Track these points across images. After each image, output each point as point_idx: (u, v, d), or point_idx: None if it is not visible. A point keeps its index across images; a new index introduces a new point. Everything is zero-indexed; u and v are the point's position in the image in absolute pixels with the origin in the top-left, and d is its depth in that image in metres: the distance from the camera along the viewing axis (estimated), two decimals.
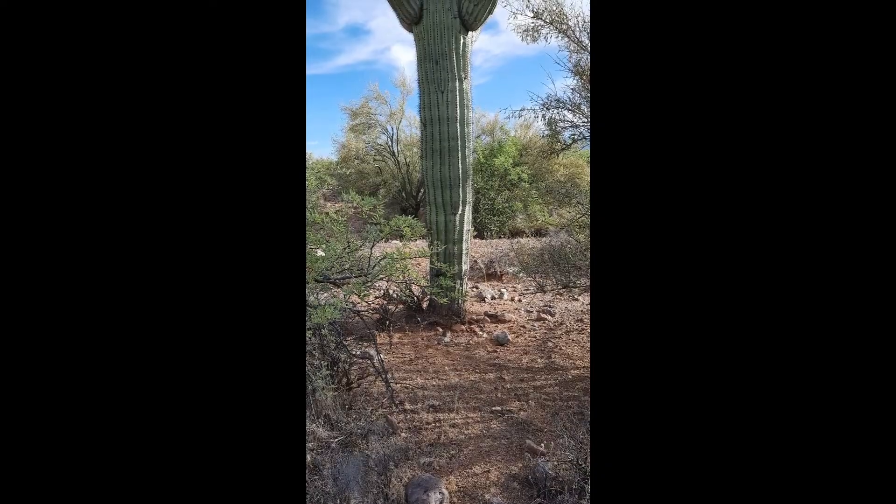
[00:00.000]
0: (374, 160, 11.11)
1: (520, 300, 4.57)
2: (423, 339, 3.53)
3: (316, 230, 2.48)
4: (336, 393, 2.31)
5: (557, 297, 4.38)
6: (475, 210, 7.51)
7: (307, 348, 2.18)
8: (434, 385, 2.75)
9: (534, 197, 8.32)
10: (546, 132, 3.54)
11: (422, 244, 4.08)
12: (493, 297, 4.61)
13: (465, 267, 3.93)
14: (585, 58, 3.05)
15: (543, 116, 3.38)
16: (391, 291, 3.95)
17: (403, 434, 2.19)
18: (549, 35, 3.17)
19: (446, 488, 1.79)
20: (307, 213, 2.33)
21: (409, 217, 2.56)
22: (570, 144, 3.65)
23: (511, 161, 8.67)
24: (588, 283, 3.06)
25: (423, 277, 3.95)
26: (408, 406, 2.47)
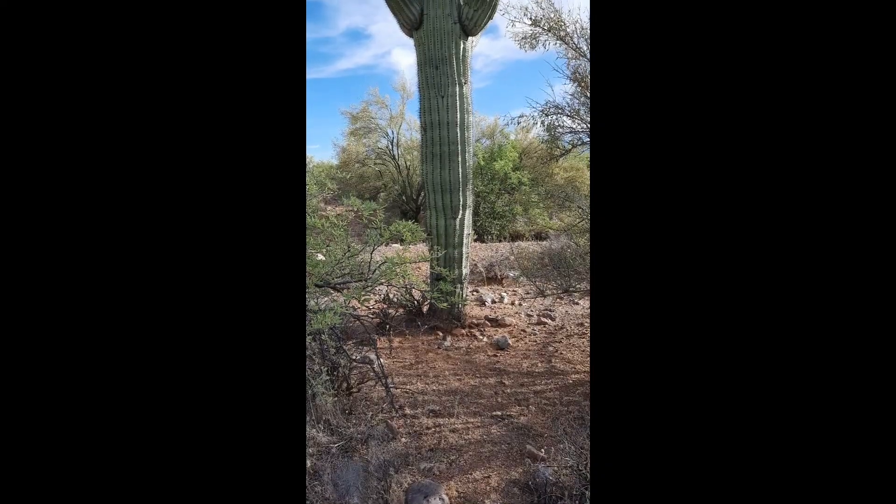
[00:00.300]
0: (375, 164, 11.13)
1: (520, 304, 4.56)
2: (423, 343, 3.53)
3: (316, 234, 2.48)
4: (336, 398, 2.31)
5: (558, 301, 4.38)
6: (475, 213, 7.52)
7: (307, 353, 2.17)
8: (434, 390, 2.75)
9: (534, 201, 8.33)
10: (545, 137, 3.55)
11: (422, 248, 4.08)
12: (493, 301, 4.61)
13: (465, 271, 3.93)
14: (583, 64, 3.06)
15: (542, 122, 3.39)
16: (391, 295, 3.95)
17: (403, 439, 2.18)
18: (547, 42, 3.18)
19: (446, 494, 1.79)
20: (308, 217, 2.34)
21: (409, 222, 2.57)
22: (570, 150, 3.66)
23: (511, 165, 8.69)
24: (588, 288, 3.07)
25: (424, 281, 3.95)
26: (408, 411, 2.46)
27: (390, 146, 10.79)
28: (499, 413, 2.45)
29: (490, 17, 3.56)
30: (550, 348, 3.43)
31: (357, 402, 2.49)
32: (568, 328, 3.85)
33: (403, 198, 10.42)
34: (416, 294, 3.88)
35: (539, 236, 7.67)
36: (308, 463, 1.89)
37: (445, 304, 2.93)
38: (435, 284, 3.51)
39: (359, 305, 2.68)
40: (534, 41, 3.27)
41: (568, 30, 3.08)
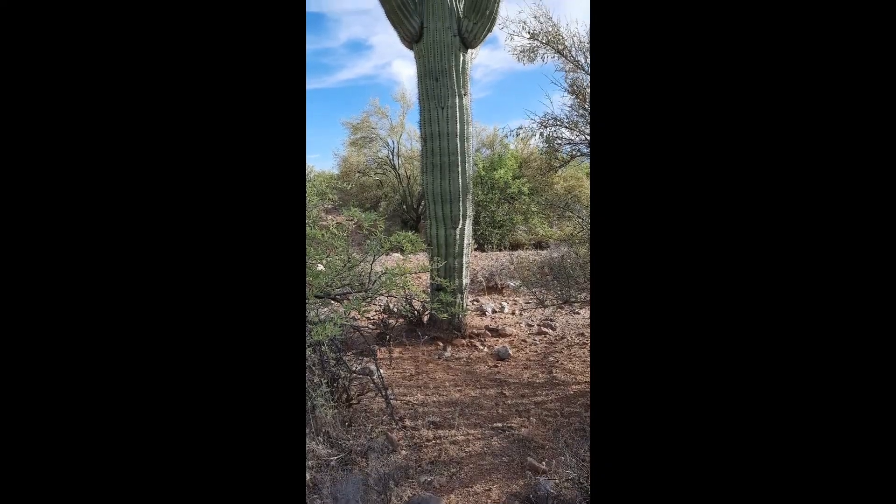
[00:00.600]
0: (375, 173, 11.19)
1: (521, 314, 4.56)
2: (423, 353, 3.52)
3: (316, 244, 2.49)
4: (336, 410, 2.29)
5: (558, 310, 4.37)
6: (475, 223, 7.53)
7: (307, 364, 2.17)
8: (434, 401, 2.73)
9: (534, 210, 8.35)
10: (545, 149, 3.58)
11: (422, 257, 4.09)
12: (493, 311, 4.60)
13: (465, 281, 3.93)
14: (581, 77, 3.10)
15: (541, 134, 3.42)
16: (392, 305, 3.95)
17: (403, 451, 2.16)
18: (545, 55, 3.22)
19: None
20: (308, 228, 2.35)
21: (409, 232, 2.57)
22: (569, 161, 3.68)
23: (511, 174, 8.73)
24: (589, 298, 3.07)
25: (424, 291, 3.95)
26: (408, 422, 2.45)
27: (391, 156, 10.86)
28: (499, 425, 2.43)
29: (489, 31, 3.61)
30: (551, 358, 3.42)
31: (357, 414, 2.47)
32: (569, 338, 3.84)
33: (404, 207, 10.46)
34: (417, 304, 3.88)
35: (539, 245, 7.68)
36: (307, 476, 1.88)
37: (446, 315, 2.93)
38: (435, 295, 3.51)
39: (359, 316, 2.68)
40: (532, 54, 3.31)
41: (566, 43, 3.13)
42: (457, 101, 3.66)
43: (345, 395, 2.47)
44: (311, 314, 2.19)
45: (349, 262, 2.43)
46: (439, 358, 3.43)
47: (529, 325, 4.16)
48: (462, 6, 3.63)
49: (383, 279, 2.39)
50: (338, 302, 2.45)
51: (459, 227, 3.77)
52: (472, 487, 1.92)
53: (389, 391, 2.64)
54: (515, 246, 8.07)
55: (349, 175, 11.24)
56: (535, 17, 3.26)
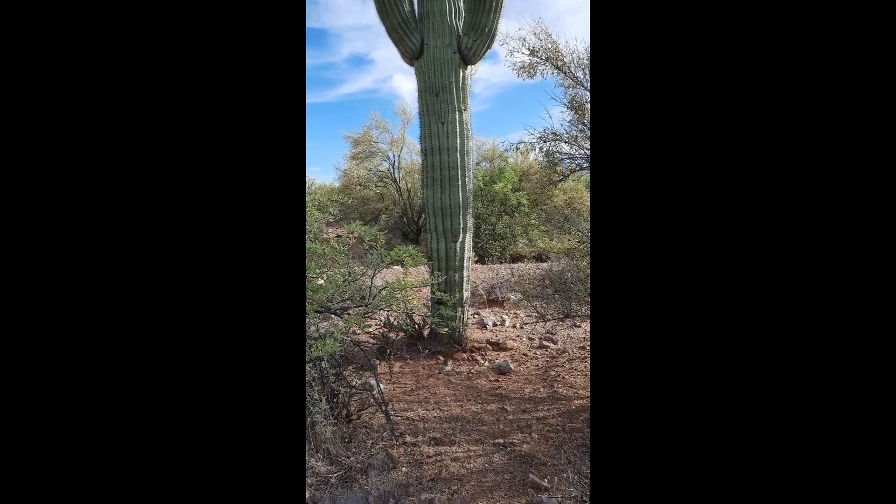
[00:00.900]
0: (376, 186, 11.26)
1: (521, 327, 4.54)
2: (424, 367, 3.50)
3: (317, 258, 2.49)
4: (335, 426, 2.27)
5: (559, 323, 4.35)
6: (476, 235, 7.55)
7: (306, 379, 2.16)
8: (435, 416, 2.71)
9: (534, 223, 8.38)
10: (544, 163, 3.61)
11: (423, 270, 4.08)
12: (494, 324, 4.59)
13: (466, 294, 3.93)
14: (581, 92, 3.14)
15: (541, 149, 3.46)
16: (392, 319, 3.94)
17: (404, 468, 2.14)
18: (545, 71, 3.27)
19: None
20: (309, 242, 2.35)
21: (410, 246, 2.58)
22: (568, 175, 3.71)
23: (511, 187, 8.78)
24: (589, 312, 3.06)
25: (424, 305, 3.94)
26: (408, 439, 2.42)
27: (391, 169, 10.94)
28: (501, 441, 2.40)
29: (489, 47, 3.67)
30: (553, 372, 3.40)
31: (357, 430, 2.45)
32: (570, 352, 3.82)
33: (404, 220, 10.50)
34: (417, 318, 3.87)
35: (540, 258, 7.68)
36: (307, 494, 1.85)
37: (446, 329, 2.92)
38: (436, 308, 3.50)
39: (359, 331, 2.67)
40: (532, 70, 3.36)
41: (565, 59, 3.17)
42: (457, 116, 3.70)
43: (345, 411, 2.45)
44: (311, 329, 2.18)
45: (349, 276, 2.44)
46: (440, 372, 3.41)
47: (531, 339, 4.14)
48: (462, 24, 3.69)
49: (384, 294, 2.39)
50: (338, 316, 2.44)
51: (460, 240, 3.78)
52: None
53: (390, 406, 2.62)
54: (516, 258, 8.08)
55: (350, 188, 11.31)
56: (535, 34, 3.32)
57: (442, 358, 3.65)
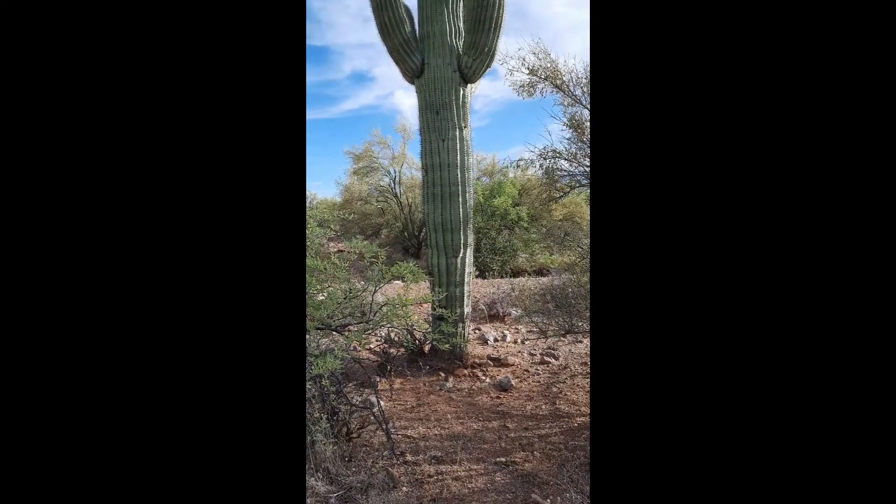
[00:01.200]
0: (377, 201, 11.32)
1: (523, 342, 4.52)
2: (424, 384, 3.47)
3: (318, 274, 2.50)
4: (335, 445, 2.25)
5: (561, 339, 4.33)
6: (476, 250, 7.56)
7: (306, 397, 2.14)
8: (436, 434, 2.68)
9: (534, 239, 8.40)
10: (544, 181, 3.65)
11: (424, 285, 4.08)
12: (495, 340, 4.57)
13: (467, 310, 3.92)
14: (580, 111, 3.19)
15: (541, 166, 3.50)
16: (393, 335, 3.93)
17: (405, 488, 2.11)
18: (544, 90, 3.33)
19: None
20: (309, 259, 2.37)
21: (410, 262, 2.59)
22: (568, 192, 3.74)
23: (510, 201, 8.83)
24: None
25: (425, 320, 3.94)
26: (409, 457, 2.39)
27: (392, 184, 11.01)
28: (503, 459, 2.38)
29: (488, 66, 3.74)
30: (554, 389, 3.37)
31: (357, 449, 2.43)
32: (572, 368, 3.79)
33: (405, 234, 10.53)
34: (418, 334, 3.86)
35: (540, 272, 7.68)
36: None
37: (447, 346, 2.91)
38: (437, 324, 3.50)
39: (359, 347, 2.66)
40: (531, 89, 3.41)
41: (564, 78, 3.23)
42: (457, 133, 3.74)
43: (345, 429, 2.43)
44: (311, 346, 2.18)
45: (350, 293, 2.44)
46: (441, 389, 3.38)
47: (532, 355, 4.12)
48: (461, 44, 3.77)
49: (385, 310, 2.39)
50: (339, 333, 2.44)
51: (461, 255, 3.79)
52: None
53: (390, 424, 2.59)
54: (517, 273, 8.08)
55: (351, 203, 11.38)
56: (534, 53, 3.38)
57: (443, 374, 3.63)
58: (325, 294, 2.45)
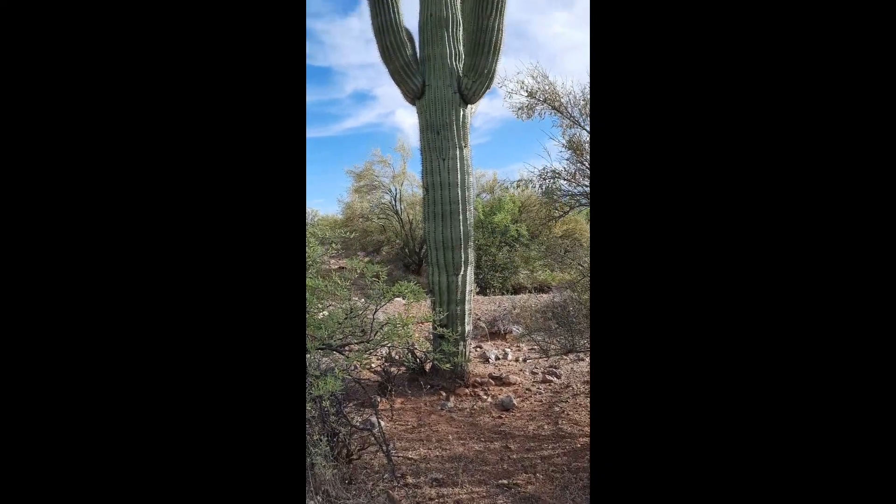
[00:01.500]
0: (378, 218, 11.38)
1: (524, 360, 4.49)
2: (425, 404, 3.44)
3: (319, 292, 2.50)
4: (335, 466, 2.22)
5: (563, 357, 4.31)
6: (477, 267, 7.57)
7: (306, 417, 2.13)
8: (437, 456, 2.65)
9: (534, 256, 8.41)
10: (544, 201, 3.68)
11: (425, 302, 4.08)
12: (497, 358, 4.54)
13: (468, 328, 3.91)
14: (578, 132, 3.24)
15: (540, 186, 3.53)
16: (394, 354, 3.91)
17: None
18: (542, 112, 3.38)
19: None
20: (310, 279, 2.37)
21: (411, 282, 2.60)
22: (567, 212, 3.77)
23: (510, 218, 8.87)
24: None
25: (426, 338, 3.92)
26: (410, 479, 2.36)
27: (393, 201, 11.08)
28: (505, 482, 2.34)
29: (488, 88, 3.81)
30: (557, 408, 3.34)
31: (357, 471, 2.39)
32: (574, 386, 3.76)
33: (406, 251, 10.54)
34: (419, 352, 3.84)
35: (541, 289, 7.67)
36: None
37: (448, 365, 2.90)
38: (438, 343, 3.48)
39: (360, 367, 2.65)
40: (530, 111, 3.47)
41: (562, 100, 3.29)
42: (457, 152, 3.79)
43: (345, 451, 2.40)
44: (311, 366, 2.17)
45: (351, 312, 2.44)
46: (442, 409, 3.35)
47: (534, 373, 4.09)
48: (461, 66, 3.85)
49: (386, 329, 2.39)
50: (339, 353, 2.43)
51: (461, 273, 3.80)
52: None
53: (391, 445, 2.56)
54: (517, 289, 8.06)
55: (353, 220, 11.43)
56: (533, 76, 3.45)
57: (444, 393, 3.60)
58: (327, 312, 2.45)
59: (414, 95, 3.90)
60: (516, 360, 4.50)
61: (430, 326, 4.03)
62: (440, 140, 3.79)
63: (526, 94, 3.31)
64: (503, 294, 7.76)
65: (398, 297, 2.49)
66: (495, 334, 5.40)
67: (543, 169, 3.48)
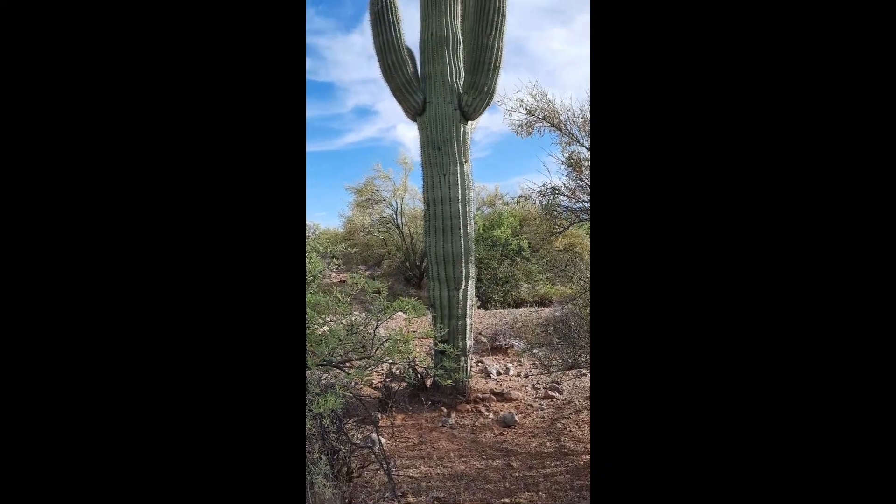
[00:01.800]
0: (379, 232, 11.41)
1: (526, 376, 4.46)
2: (426, 420, 3.41)
3: (320, 307, 2.50)
4: (336, 486, 2.19)
5: (565, 372, 4.27)
6: (478, 280, 7.56)
7: (306, 435, 2.11)
8: (438, 474, 2.62)
9: (534, 269, 8.41)
10: (544, 217, 3.70)
11: (426, 318, 4.07)
12: (498, 373, 4.51)
13: (469, 343, 3.89)
14: (578, 149, 3.27)
15: (540, 202, 3.56)
16: (394, 369, 3.88)
17: None
18: (542, 129, 3.43)
19: None
20: (310, 295, 2.38)
21: (412, 296, 2.60)
22: (568, 227, 3.79)
23: (511, 232, 8.89)
24: None
25: (427, 353, 3.90)
26: (411, 499, 2.33)
27: (394, 215, 11.13)
28: (507, 501, 2.31)
29: (488, 104, 3.86)
30: (559, 425, 3.30)
31: (357, 489, 2.36)
32: (576, 402, 3.73)
33: (407, 264, 10.55)
34: (420, 368, 3.81)
35: (542, 303, 7.65)
36: None
37: (449, 381, 2.88)
38: (439, 359, 3.47)
39: (361, 383, 2.63)
40: (529, 128, 3.51)
41: (561, 118, 3.33)
42: (458, 168, 3.83)
43: (345, 469, 2.37)
44: (311, 384, 2.16)
45: (352, 328, 2.44)
46: (443, 425, 3.32)
47: (536, 389, 4.06)
48: (462, 83, 3.90)
49: (387, 346, 2.38)
50: (340, 369, 2.42)
51: (462, 288, 3.80)
52: None
53: (391, 463, 2.53)
54: (519, 303, 8.04)
55: (354, 234, 11.46)
56: (532, 94, 3.50)
57: (445, 409, 3.57)
58: (327, 327, 2.45)
59: (415, 112, 3.96)
60: (518, 376, 4.47)
61: (432, 341, 4.01)
62: (441, 156, 3.82)
63: (525, 112, 3.36)
64: (504, 308, 7.73)
65: (399, 311, 2.49)
66: (497, 349, 5.37)
67: (543, 185, 3.51)
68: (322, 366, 2.26)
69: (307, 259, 2.62)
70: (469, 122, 3.96)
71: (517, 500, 2.31)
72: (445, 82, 3.84)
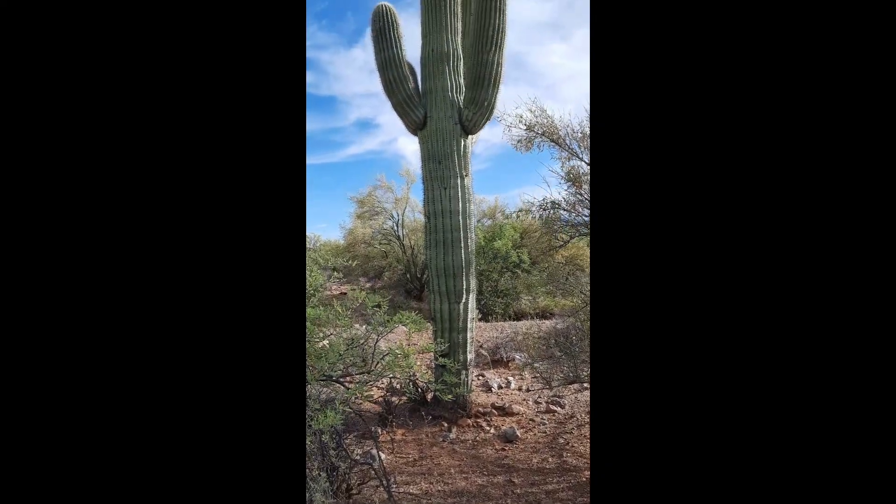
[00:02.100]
0: (380, 244, 11.43)
1: (528, 390, 4.42)
2: (427, 435, 3.38)
3: (320, 321, 2.50)
4: (335, 503, 2.17)
5: (566, 386, 4.24)
6: (479, 293, 7.55)
7: (306, 452, 2.09)
8: (439, 491, 2.58)
9: (535, 283, 8.40)
10: (544, 231, 3.71)
11: (427, 331, 4.05)
12: (499, 387, 4.47)
13: (470, 356, 3.87)
14: (577, 164, 3.30)
15: (540, 216, 3.57)
16: (395, 383, 3.86)
17: None
18: (541, 144, 3.46)
19: None
20: (310, 308, 2.38)
21: (413, 310, 2.60)
22: (568, 241, 3.80)
23: (511, 244, 8.90)
24: None
25: (428, 367, 3.88)
26: None
27: (395, 227, 11.16)
28: None
29: (488, 119, 3.90)
30: (561, 440, 3.27)
31: None
32: (578, 417, 3.69)
33: (407, 276, 10.54)
34: (420, 382, 3.79)
35: (543, 315, 7.62)
36: None
37: (450, 396, 2.86)
38: (439, 372, 3.44)
39: (361, 399, 2.61)
40: (529, 143, 3.54)
41: (560, 133, 3.36)
42: (458, 181, 3.85)
43: (344, 486, 2.34)
44: (311, 398, 2.14)
45: (353, 342, 2.43)
46: (444, 440, 3.28)
47: (537, 403, 4.02)
48: (462, 98, 3.95)
49: (387, 360, 2.37)
50: (340, 384, 2.41)
51: (463, 301, 3.79)
52: None
53: (391, 480, 2.50)
54: (520, 315, 8.00)
55: (355, 246, 11.48)
56: (531, 110, 3.54)
57: (446, 424, 3.53)
58: (327, 341, 2.44)
59: (416, 127, 4.00)
60: (519, 389, 4.43)
61: (432, 355, 3.99)
62: (442, 170, 3.85)
63: (524, 128, 3.39)
64: (505, 320, 7.70)
65: (400, 325, 2.49)
66: (498, 362, 5.34)
67: (543, 199, 3.53)
68: (322, 380, 2.25)
69: (307, 272, 2.63)
70: (469, 137, 4.00)
71: None
72: (446, 97, 3.88)
